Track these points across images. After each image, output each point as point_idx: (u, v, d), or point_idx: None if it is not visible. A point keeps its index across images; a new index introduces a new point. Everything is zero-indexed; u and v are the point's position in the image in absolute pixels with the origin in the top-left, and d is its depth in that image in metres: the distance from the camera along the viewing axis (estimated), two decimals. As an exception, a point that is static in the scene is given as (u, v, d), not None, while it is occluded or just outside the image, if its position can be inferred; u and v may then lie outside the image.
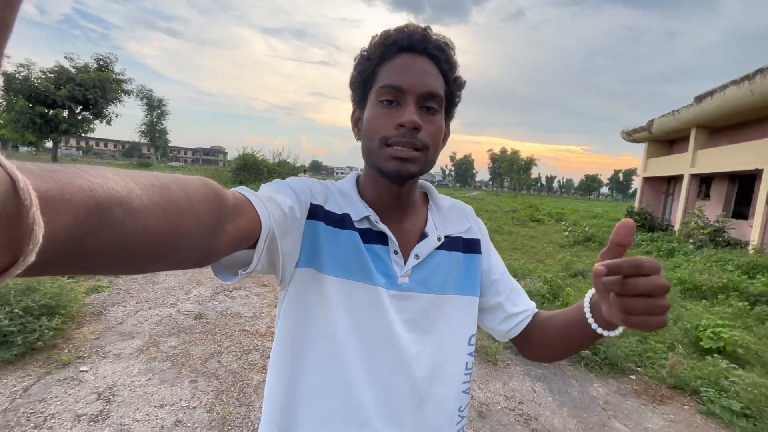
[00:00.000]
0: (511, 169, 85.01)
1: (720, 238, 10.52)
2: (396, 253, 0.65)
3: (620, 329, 0.56)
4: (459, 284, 0.69)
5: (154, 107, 76.35)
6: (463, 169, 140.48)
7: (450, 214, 0.73)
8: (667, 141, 16.26)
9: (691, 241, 11.08)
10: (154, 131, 79.67)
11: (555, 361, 0.72)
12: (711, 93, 11.39)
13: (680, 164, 13.85)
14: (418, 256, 0.66)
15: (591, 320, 0.57)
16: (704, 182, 13.66)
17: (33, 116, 19.10)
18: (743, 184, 11.99)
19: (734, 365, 3.27)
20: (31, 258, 0.20)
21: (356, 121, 0.68)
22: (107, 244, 0.26)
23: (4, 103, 17.91)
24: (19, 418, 2.15)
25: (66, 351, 2.88)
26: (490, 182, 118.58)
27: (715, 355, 3.46)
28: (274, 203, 0.53)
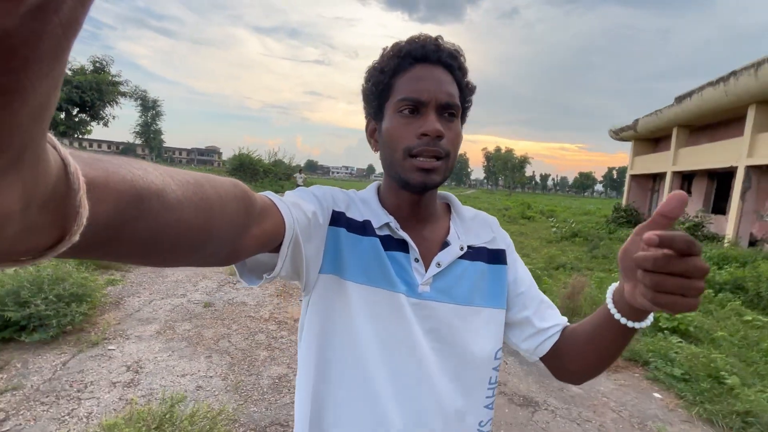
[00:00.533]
0: (505, 168, 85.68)
1: (699, 233, 11.05)
2: (417, 260, 0.65)
3: (650, 319, 0.54)
4: (485, 296, 0.67)
5: (149, 108, 76.07)
6: (458, 167, 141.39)
7: (473, 225, 0.72)
8: (653, 139, 16.80)
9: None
10: (149, 132, 79.34)
11: (591, 375, 0.66)
12: (690, 94, 11.91)
13: (663, 162, 14.39)
14: (439, 264, 0.65)
15: (616, 313, 0.54)
16: (686, 179, 14.20)
17: (30, 119, 19.48)
18: (722, 181, 12.52)
19: (684, 341, 3.72)
20: (75, 238, 0.21)
21: (372, 132, 0.68)
22: (142, 234, 0.27)
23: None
24: (63, 385, 2.54)
25: (93, 333, 3.27)
26: (485, 181, 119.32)
27: (668, 332, 3.91)
28: (298, 209, 0.54)
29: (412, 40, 0.62)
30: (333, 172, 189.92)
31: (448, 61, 0.61)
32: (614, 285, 0.56)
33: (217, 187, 0.35)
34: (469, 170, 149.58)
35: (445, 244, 0.67)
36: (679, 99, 12.57)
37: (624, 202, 17.20)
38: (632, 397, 3.00)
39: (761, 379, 3.16)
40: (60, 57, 0.14)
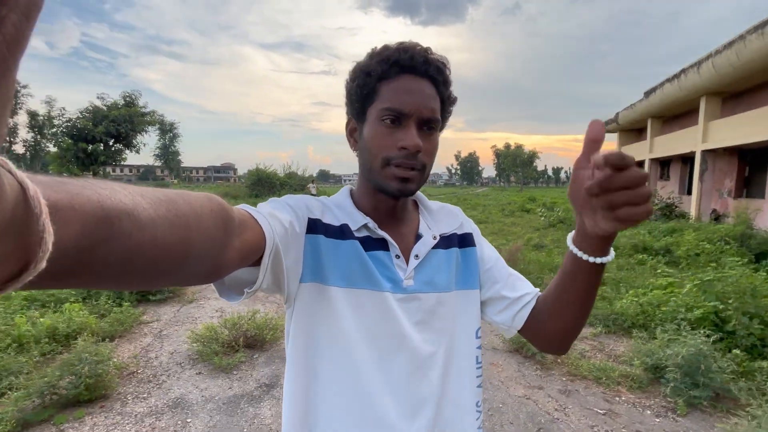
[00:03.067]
0: (514, 164, 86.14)
1: (671, 212, 12.34)
2: (398, 257, 0.66)
3: (612, 253, 0.55)
4: (460, 279, 0.69)
5: (166, 131, 79.77)
6: (469, 167, 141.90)
7: (440, 215, 0.75)
8: (635, 130, 18.04)
9: (651, 216, 12.91)
10: (168, 154, 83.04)
11: (571, 334, 0.65)
12: (654, 89, 13.25)
13: (642, 150, 15.66)
14: (417, 256, 0.67)
15: (580, 252, 0.55)
16: (664, 165, 15.45)
17: (77, 152, 21.92)
18: (692, 165, 13.77)
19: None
20: (42, 265, 0.20)
21: (352, 131, 0.69)
22: (115, 256, 0.26)
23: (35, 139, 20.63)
24: (182, 319, 4.30)
25: (186, 297, 5.05)
26: (498, 178, 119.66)
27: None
28: (275, 219, 0.54)
29: (402, 48, 0.62)
30: (345, 180, 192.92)
31: (434, 75, 0.63)
32: (572, 233, 0.57)
33: (191, 202, 0.35)
34: (480, 169, 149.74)
35: (419, 237, 0.69)
36: (647, 93, 13.91)
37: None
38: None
39: (632, 295, 4.67)
40: (6, 76, 0.13)
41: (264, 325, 3.63)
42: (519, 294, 0.70)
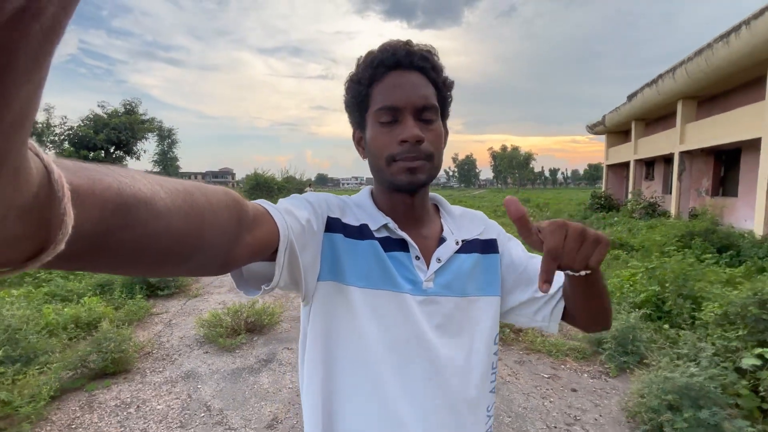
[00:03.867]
0: (510, 166, 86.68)
1: (653, 211, 12.86)
2: (418, 258, 0.66)
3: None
4: (481, 285, 0.69)
5: (165, 137, 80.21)
6: (466, 169, 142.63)
7: (463, 220, 0.74)
8: (622, 132, 18.59)
9: (635, 215, 13.42)
10: (166, 160, 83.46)
11: (603, 318, 0.67)
12: (636, 93, 13.81)
13: (627, 152, 16.20)
14: (439, 259, 0.66)
15: (566, 270, 0.56)
16: (649, 165, 15.99)
17: (78, 159, 22.65)
18: (673, 165, 14.31)
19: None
20: (61, 246, 0.21)
21: (359, 141, 0.70)
22: (130, 242, 0.27)
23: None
24: (189, 310, 4.77)
25: (191, 292, 5.52)
26: (495, 180, 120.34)
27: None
28: (291, 216, 0.54)
29: (383, 48, 0.63)
30: (343, 183, 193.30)
31: (421, 63, 0.62)
32: None
33: (208, 195, 0.35)
34: (477, 171, 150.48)
35: (442, 240, 0.69)
36: (630, 97, 14.47)
37: (603, 189, 18.95)
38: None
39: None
40: (41, 63, 0.14)
41: (262, 312, 4.10)
42: (554, 291, 0.69)
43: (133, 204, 0.26)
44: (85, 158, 21.93)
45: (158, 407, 2.69)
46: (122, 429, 2.44)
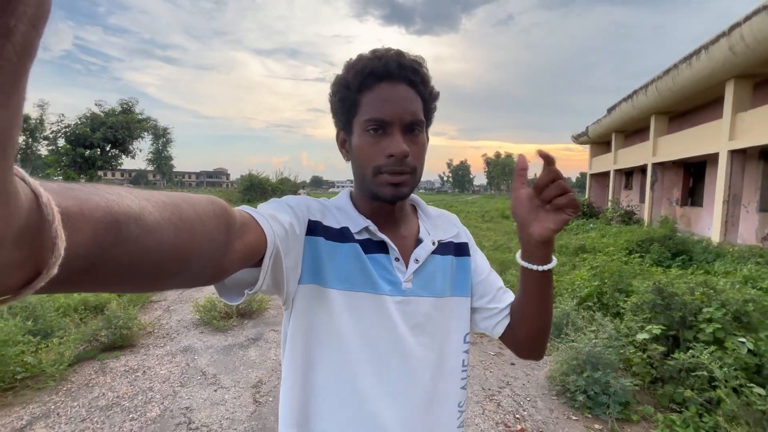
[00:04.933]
0: (503, 173, 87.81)
1: (630, 219, 13.56)
2: (397, 260, 0.67)
3: (554, 260, 0.64)
4: (454, 286, 0.72)
5: (160, 136, 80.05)
6: (460, 174, 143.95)
7: (439, 221, 0.77)
8: (604, 143, 19.38)
9: (612, 222, 14.12)
10: (161, 158, 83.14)
11: (539, 338, 0.71)
12: (614, 107, 14.55)
13: (608, 162, 16.95)
14: (417, 260, 0.68)
15: (527, 264, 0.64)
16: (628, 175, 16.74)
17: (75, 156, 22.69)
18: (651, 175, 15.06)
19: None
20: (54, 271, 0.21)
21: (343, 143, 0.71)
22: (123, 260, 0.27)
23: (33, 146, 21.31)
24: (186, 299, 5.25)
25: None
26: (488, 186, 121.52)
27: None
28: (276, 220, 0.54)
29: (375, 57, 0.64)
30: (338, 186, 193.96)
31: (411, 76, 0.64)
32: (518, 251, 0.67)
33: (195, 205, 0.35)
34: (471, 176, 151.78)
35: (419, 241, 0.71)
36: (609, 110, 15.22)
37: (586, 197, 19.70)
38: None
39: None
40: (17, 85, 0.14)
41: (252, 299, 4.61)
42: (503, 305, 0.73)
43: (123, 221, 0.26)
44: (82, 156, 22.21)
45: (161, 372, 3.18)
46: (132, 387, 2.93)
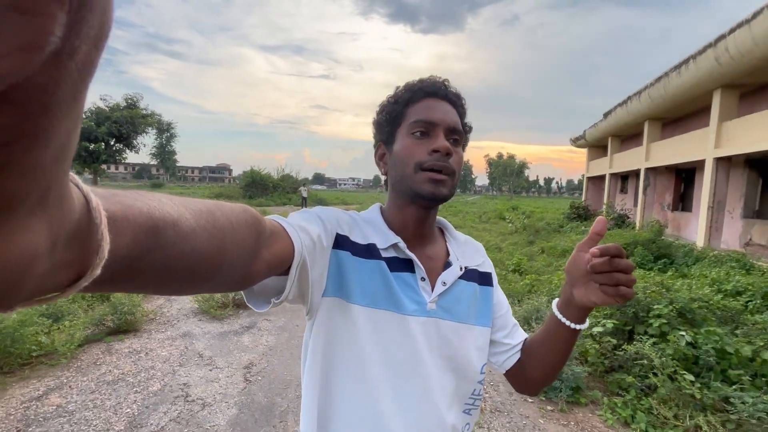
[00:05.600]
0: (504, 173, 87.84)
1: (623, 222, 13.80)
2: (423, 279, 0.68)
3: (587, 322, 0.66)
4: (477, 314, 0.72)
5: (164, 131, 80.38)
6: (463, 174, 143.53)
7: (467, 248, 0.77)
8: (601, 146, 19.60)
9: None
10: (164, 153, 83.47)
11: (547, 381, 0.74)
12: (610, 111, 14.78)
13: (604, 166, 17.18)
14: (444, 283, 0.69)
15: (564, 320, 0.65)
16: (623, 179, 16.98)
17: (80, 150, 23.12)
18: (644, 180, 15.29)
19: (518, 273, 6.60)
20: (98, 271, 0.22)
21: (381, 157, 0.73)
22: (159, 264, 0.28)
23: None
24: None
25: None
26: (490, 187, 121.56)
27: (515, 272, 6.81)
28: (305, 231, 0.55)
29: (423, 80, 0.71)
30: (340, 184, 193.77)
31: (453, 98, 0.70)
32: (557, 299, 0.68)
33: (228, 214, 0.37)
34: (473, 177, 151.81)
35: (448, 264, 0.72)
36: (605, 115, 15.45)
37: (583, 200, 19.94)
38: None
39: (530, 278, 6.00)
40: (77, 98, 0.15)
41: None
42: (515, 342, 0.76)
43: (162, 226, 0.27)
44: (87, 149, 22.57)
45: (162, 353, 3.49)
46: (135, 366, 3.24)
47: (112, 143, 25.13)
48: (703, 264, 6.79)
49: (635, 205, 15.14)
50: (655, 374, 2.71)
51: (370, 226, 0.70)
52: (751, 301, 4.31)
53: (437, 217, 0.76)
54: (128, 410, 2.60)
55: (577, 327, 0.66)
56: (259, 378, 3.11)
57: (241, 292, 0.53)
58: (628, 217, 14.02)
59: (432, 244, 0.74)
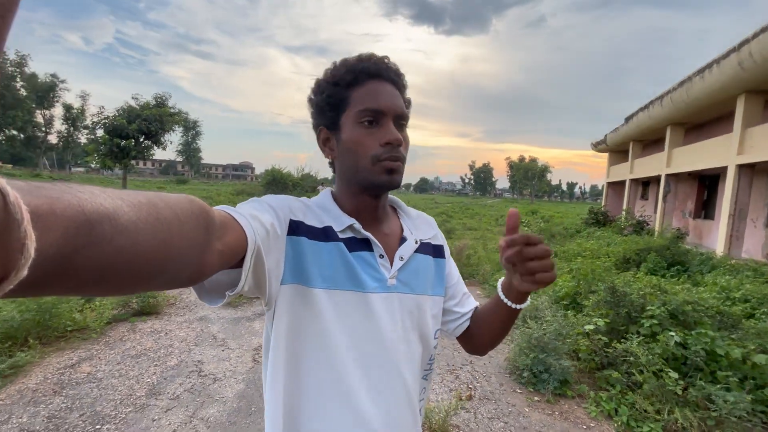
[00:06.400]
0: (525, 177, 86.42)
1: (641, 229, 13.53)
2: (382, 257, 0.69)
3: (528, 301, 0.70)
4: (432, 285, 0.75)
5: (190, 128, 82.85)
6: (482, 177, 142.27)
7: (419, 222, 0.80)
8: (622, 151, 19.18)
9: (625, 231, 14.12)
10: (189, 150, 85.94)
11: (493, 346, 0.79)
12: (632, 116, 14.50)
13: (625, 171, 16.83)
14: (402, 258, 0.70)
15: (506, 300, 0.69)
16: (645, 185, 16.59)
17: (112, 146, 24.22)
18: (667, 186, 14.90)
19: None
20: (23, 272, 0.20)
21: (325, 141, 0.72)
22: (96, 261, 0.26)
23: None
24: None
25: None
26: (511, 190, 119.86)
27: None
28: (257, 220, 0.54)
29: (363, 58, 0.68)
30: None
31: (396, 79, 0.69)
32: (501, 279, 0.71)
33: (172, 205, 0.34)
34: (494, 180, 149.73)
35: (403, 239, 0.73)
36: (627, 119, 15.15)
37: (603, 206, 19.56)
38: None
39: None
40: None
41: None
42: (466, 310, 0.80)
43: (96, 220, 0.25)
44: (118, 146, 23.67)
45: (180, 334, 3.80)
46: (156, 343, 3.55)
47: (142, 140, 26.17)
48: (718, 272, 6.68)
49: (655, 211, 14.80)
50: (641, 371, 2.80)
51: (324, 210, 0.70)
52: (757, 309, 4.28)
53: (389, 197, 0.78)
54: (149, 380, 2.89)
55: (517, 307, 0.70)
56: (267, 359, 3.36)
57: (191, 289, 0.50)
58: (648, 224, 13.72)
59: (386, 222, 0.75)
